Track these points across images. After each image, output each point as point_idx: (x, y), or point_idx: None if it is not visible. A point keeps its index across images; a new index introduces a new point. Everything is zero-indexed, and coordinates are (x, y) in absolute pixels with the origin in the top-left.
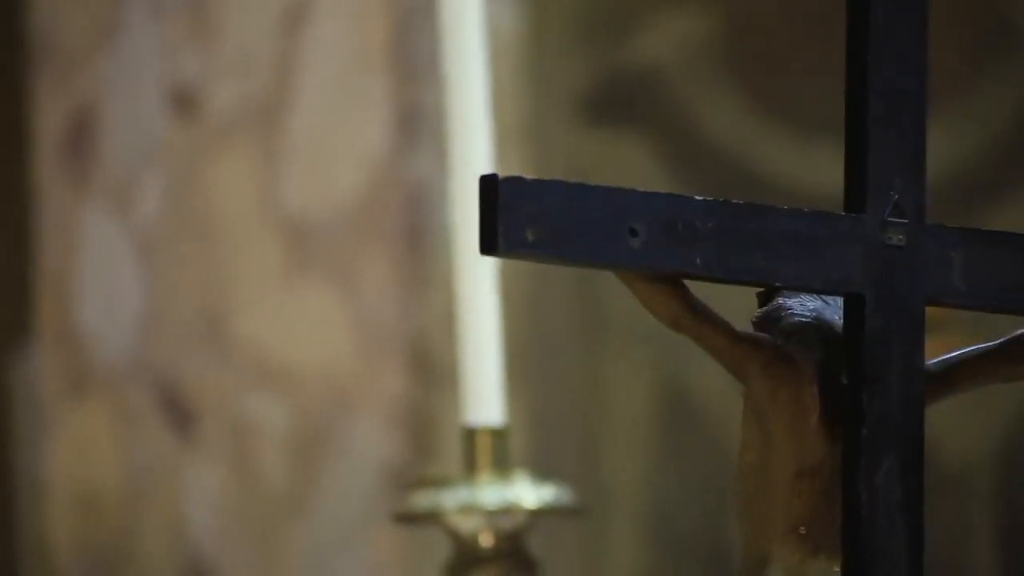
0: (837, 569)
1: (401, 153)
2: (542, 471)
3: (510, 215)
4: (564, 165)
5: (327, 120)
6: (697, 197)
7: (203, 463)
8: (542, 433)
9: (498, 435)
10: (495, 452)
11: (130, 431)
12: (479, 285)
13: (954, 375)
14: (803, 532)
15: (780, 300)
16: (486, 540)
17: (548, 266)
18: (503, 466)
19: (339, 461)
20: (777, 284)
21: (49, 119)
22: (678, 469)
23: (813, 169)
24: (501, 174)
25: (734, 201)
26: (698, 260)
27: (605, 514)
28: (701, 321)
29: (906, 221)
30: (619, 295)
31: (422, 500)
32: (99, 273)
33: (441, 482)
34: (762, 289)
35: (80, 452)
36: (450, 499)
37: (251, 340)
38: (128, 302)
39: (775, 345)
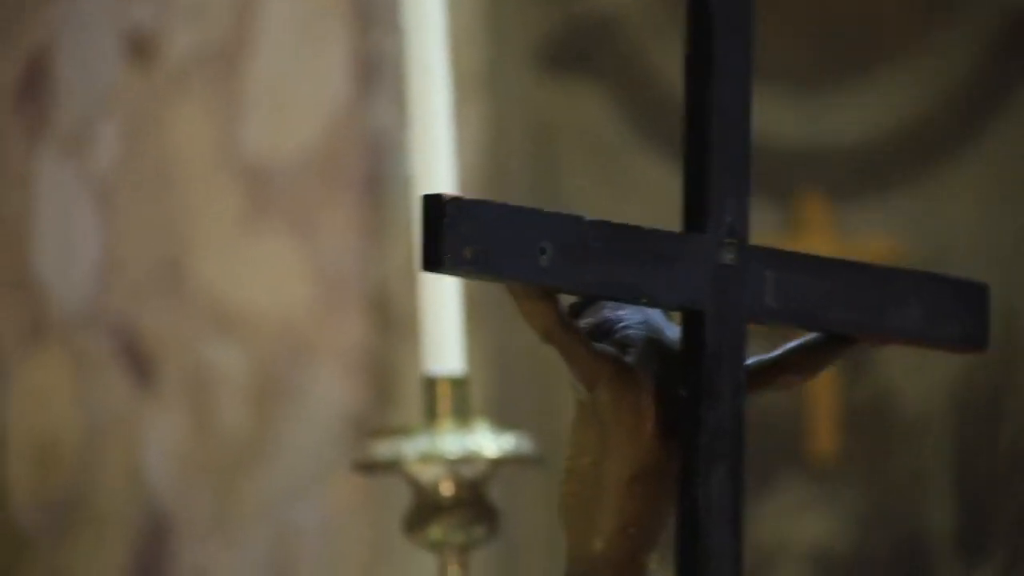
0: (655, 567)
1: (360, 100)
2: (503, 420)
3: (453, 235)
4: (522, 113)
5: (286, 66)
6: (586, 217)
7: (162, 411)
8: (502, 382)
9: (458, 383)
10: (455, 400)
11: (88, 379)
12: None
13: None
14: (632, 531)
15: (607, 312)
16: (447, 489)
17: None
18: (464, 414)
19: (299, 409)
20: (643, 301)
21: (3, 66)
22: None
23: (768, 119)
24: (454, 127)
25: (612, 222)
26: (588, 278)
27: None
28: (570, 334)
29: (736, 241)
30: None
31: (382, 449)
32: (56, 220)
33: (401, 431)
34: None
35: (38, 400)
36: (410, 448)
37: (210, 287)
38: (85, 249)
39: (618, 357)
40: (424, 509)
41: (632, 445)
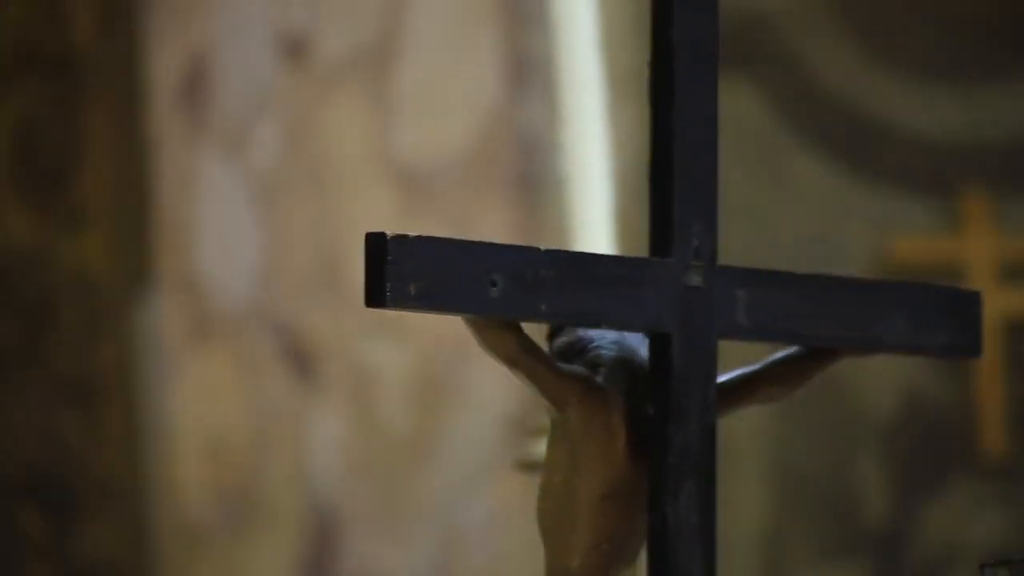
0: None
1: (512, 100)
2: None
3: (396, 271)
4: None
5: (437, 67)
6: (541, 247)
7: (325, 409)
8: None
9: None
10: None
11: (253, 377)
12: (592, 232)
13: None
14: (605, 548)
15: (579, 332)
16: None
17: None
18: None
19: (460, 408)
20: (604, 326)
21: (164, 69)
22: (803, 417)
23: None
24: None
25: (569, 250)
26: (543, 307)
27: (730, 461)
28: (534, 359)
29: (703, 264)
30: None
31: (543, 447)
32: (217, 220)
33: None
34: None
35: (205, 398)
36: None
37: None
38: (246, 249)
39: (588, 378)
40: None
41: (603, 464)
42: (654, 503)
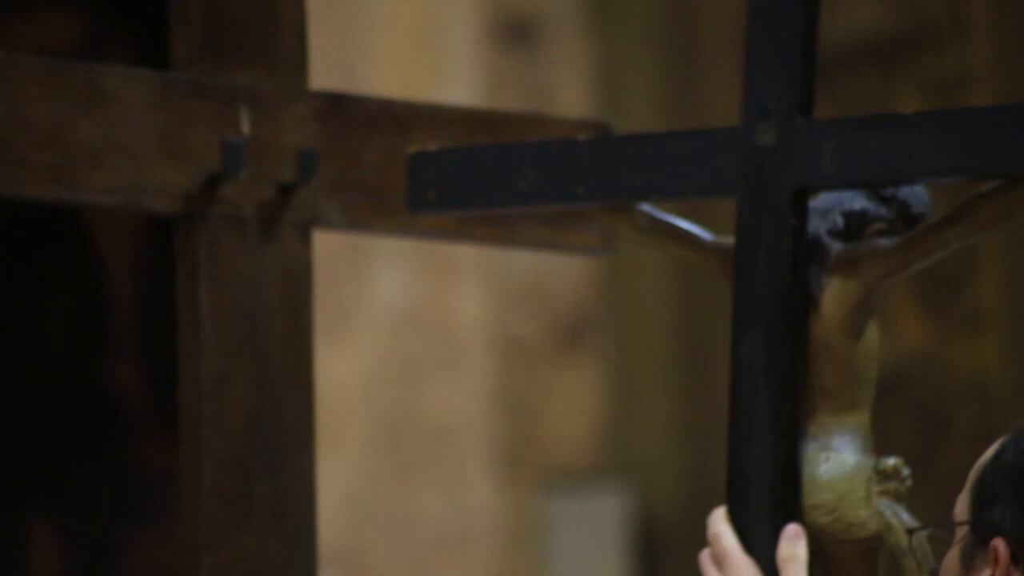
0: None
1: None
2: None
3: (417, 182)
4: None
5: None
6: (580, 139)
7: None
8: None
9: None
10: None
11: None
12: None
13: (861, 263)
14: None
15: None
16: None
17: None
18: None
19: None
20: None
21: None
22: None
23: None
24: None
25: (614, 136)
26: (580, 190)
27: None
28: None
29: (775, 123)
30: None
31: None
32: None
33: None
34: None
35: None
36: None
37: None
38: None
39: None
40: None
41: None
42: (731, 350)
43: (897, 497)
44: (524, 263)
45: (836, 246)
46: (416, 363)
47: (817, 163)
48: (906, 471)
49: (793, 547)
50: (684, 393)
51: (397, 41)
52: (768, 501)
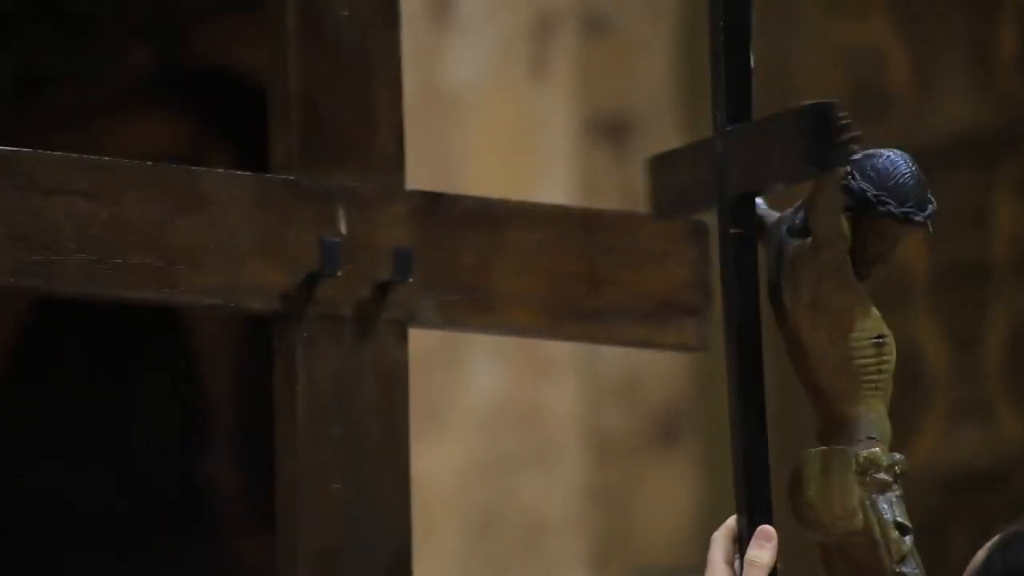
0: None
1: None
2: None
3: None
4: None
5: None
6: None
7: None
8: None
9: None
10: None
11: None
12: None
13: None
14: None
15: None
16: None
17: None
18: None
19: None
20: None
21: None
22: None
23: None
24: None
25: None
26: None
27: None
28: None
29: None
30: None
31: None
32: None
33: None
34: None
35: None
36: None
37: None
38: None
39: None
40: None
41: None
42: None
43: (883, 488)
44: (618, 358)
45: (794, 244)
46: (511, 458)
47: (748, 168)
48: (890, 459)
49: (757, 549)
50: (778, 491)
51: (493, 140)
52: (743, 501)
